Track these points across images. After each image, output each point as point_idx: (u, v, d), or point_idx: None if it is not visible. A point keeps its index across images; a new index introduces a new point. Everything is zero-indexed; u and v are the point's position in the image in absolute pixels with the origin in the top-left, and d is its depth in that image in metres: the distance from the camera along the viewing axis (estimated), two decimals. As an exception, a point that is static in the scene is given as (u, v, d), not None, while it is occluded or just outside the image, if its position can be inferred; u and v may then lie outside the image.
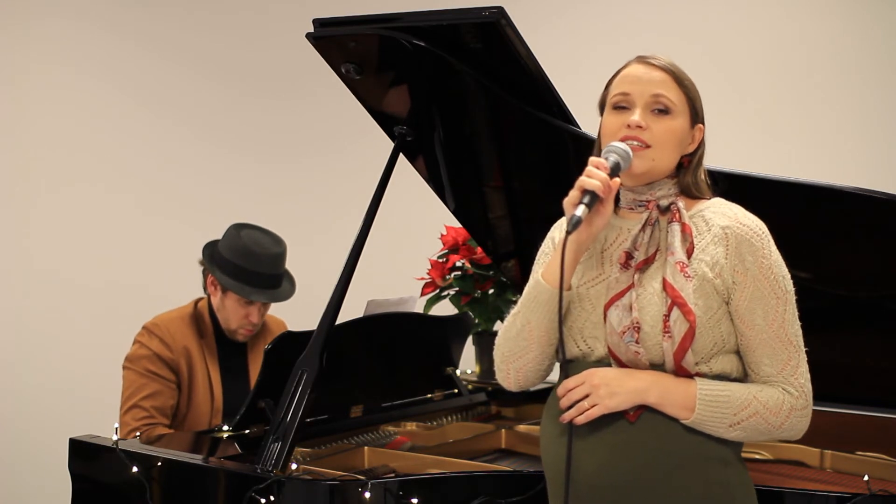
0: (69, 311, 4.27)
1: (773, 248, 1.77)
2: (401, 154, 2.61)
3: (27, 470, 4.15)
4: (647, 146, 1.76)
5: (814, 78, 4.04)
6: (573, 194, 1.71)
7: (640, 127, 1.76)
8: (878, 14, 4.00)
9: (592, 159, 1.74)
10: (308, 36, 2.47)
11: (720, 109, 4.00)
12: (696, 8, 4.16)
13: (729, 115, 4.03)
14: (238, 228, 3.08)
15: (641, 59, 1.83)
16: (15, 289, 4.25)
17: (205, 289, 3.14)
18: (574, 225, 1.68)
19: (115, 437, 2.45)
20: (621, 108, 1.80)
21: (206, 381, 3.04)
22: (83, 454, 2.53)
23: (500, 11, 2.21)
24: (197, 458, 2.41)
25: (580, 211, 1.68)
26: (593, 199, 1.70)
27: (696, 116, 1.83)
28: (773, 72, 4.07)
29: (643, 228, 1.78)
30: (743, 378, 1.78)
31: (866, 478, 2.12)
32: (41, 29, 4.33)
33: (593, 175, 1.70)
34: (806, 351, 1.78)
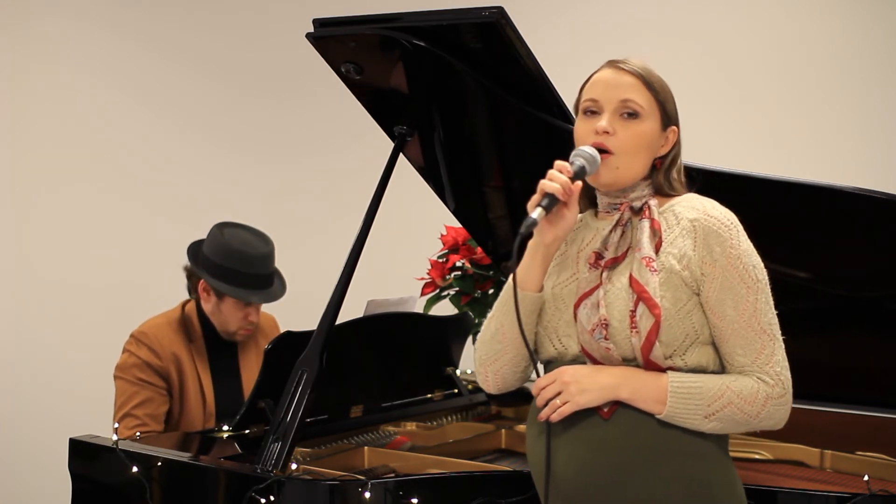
0: (69, 311, 4.27)
1: (743, 237, 1.77)
2: (401, 154, 2.61)
3: (27, 470, 4.15)
4: (611, 153, 1.77)
5: (814, 78, 4.04)
6: (534, 197, 1.73)
7: (606, 133, 1.77)
8: (878, 14, 4.00)
9: (557, 162, 1.76)
10: (308, 36, 2.47)
11: (720, 109, 4.03)
12: (696, 8, 4.16)
13: (729, 114, 4.04)
14: (221, 228, 3.04)
15: (612, 64, 1.84)
16: (15, 289, 4.25)
17: (190, 291, 3.12)
18: (528, 227, 1.69)
19: (114, 437, 2.45)
20: (591, 112, 1.81)
21: (196, 386, 3.02)
22: (83, 454, 2.53)
23: (500, 11, 2.21)
24: (197, 459, 2.41)
25: (536, 213, 1.70)
26: (552, 201, 1.71)
27: (669, 119, 1.83)
28: (773, 72, 4.07)
29: (614, 229, 1.80)
30: (720, 371, 1.78)
31: (866, 478, 2.12)
32: (41, 29, 4.33)
33: (554, 178, 1.72)
34: (796, 349, 1.77)
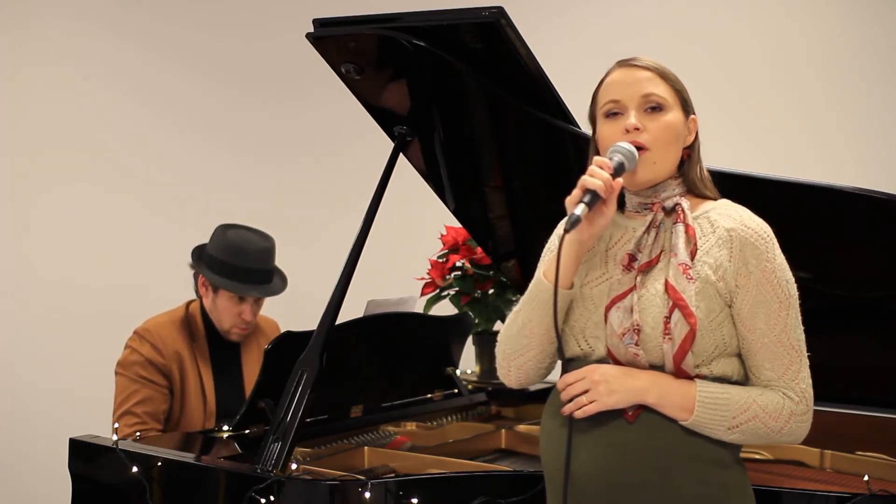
0: (69, 312, 4.27)
1: (778, 251, 1.76)
2: (401, 154, 2.61)
3: (27, 470, 4.15)
4: (646, 149, 1.76)
5: (814, 78, 4.04)
6: (575, 193, 1.71)
7: (637, 129, 1.76)
8: (878, 14, 4.00)
9: (597, 159, 1.74)
10: (308, 36, 2.47)
11: (720, 109, 4.02)
12: (696, 8, 4.16)
13: (729, 114, 4.04)
14: (225, 228, 3.07)
15: (623, 63, 1.83)
16: (14, 289, 4.25)
17: (196, 292, 3.14)
18: (572, 224, 1.68)
19: (114, 437, 2.45)
20: (614, 114, 1.80)
21: (198, 385, 3.03)
22: (83, 454, 2.53)
23: (500, 11, 2.21)
24: (197, 459, 2.41)
25: (579, 210, 1.68)
26: (594, 198, 1.70)
27: (688, 107, 1.83)
28: (773, 72, 4.07)
29: (647, 230, 1.79)
30: (744, 381, 1.77)
31: (866, 478, 2.12)
32: (41, 29, 4.32)
33: (595, 174, 1.71)
34: (808, 355, 1.78)
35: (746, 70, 4.09)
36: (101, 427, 2.67)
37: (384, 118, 2.67)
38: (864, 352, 2.55)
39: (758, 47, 4.09)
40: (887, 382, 2.55)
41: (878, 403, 2.62)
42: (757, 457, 2.56)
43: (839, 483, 2.35)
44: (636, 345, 1.71)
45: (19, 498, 4.18)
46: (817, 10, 4.08)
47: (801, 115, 4.04)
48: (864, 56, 3.99)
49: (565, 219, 1.89)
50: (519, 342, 1.84)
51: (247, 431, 2.63)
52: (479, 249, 3.39)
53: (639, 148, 1.76)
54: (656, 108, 1.78)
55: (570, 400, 1.75)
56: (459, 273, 3.48)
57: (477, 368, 3.52)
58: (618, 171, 1.73)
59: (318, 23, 2.46)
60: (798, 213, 2.31)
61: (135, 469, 2.35)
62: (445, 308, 3.47)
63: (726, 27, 4.12)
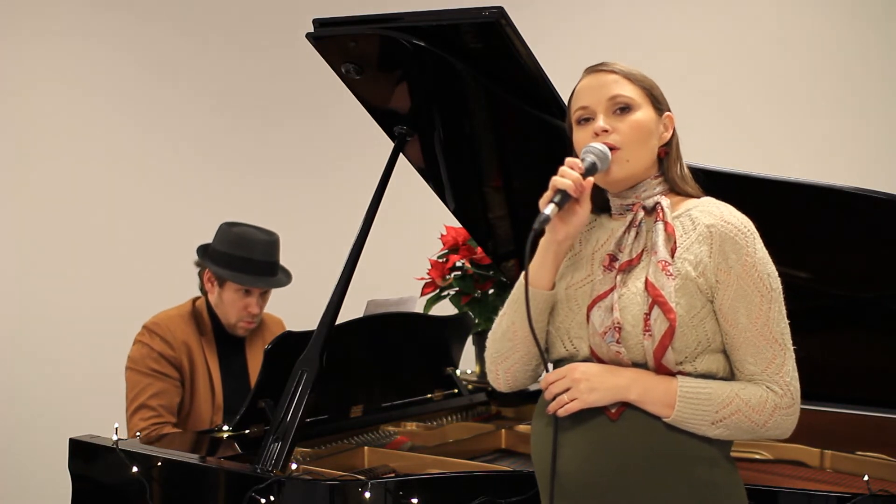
0: (69, 312, 4.27)
1: (760, 245, 1.76)
2: (401, 154, 2.62)
3: (27, 470, 4.15)
4: (617, 148, 1.77)
5: (812, 79, 4.05)
6: (546, 193, 1.74)
7: (605, 131, 1.78)
8: (878, 14, 4.00)
9: (568, 159, 1.77)
10: (308, 36, 2.47)
11: (720, 109, 4.03)
12: (698, 12, 4.17)
13: (730, 116, 4.04)
14: (229, 225, 3.11)
15: (590, 70, 1.85)
16: (15, 289, 4.25)
17: (201, 289, 3.15)
18: (541, 223, 1.70)
19: (115, 437, 2.45)
20: (585, 120, 1.82)
21: (206, 378, 3.05)
22: (83, 454, 2.53)
23: (500, 11, 2.21)
24: (197, 459, 2.42)
25: (549, 209, 1.71)
26: (564, 198, 1.72)
27: (660, 105, 1.84)
28: (773, 73, 4.07)
29: (627, 230, 1.80)
30: (730, 378, 1.77)
31: (866, 478, 2.12)
32: (41, 43, 4.35)
33: (566, 174, 1.73)
34: (795, 349, 1.77)
35: (748, 72, 4.09)
36: (102, 427, 2.67)
37: (384, 118, 2.67)
38: (863, 351, 2.55)
39: (758, 48, 4.10)
40: (887, 382, 2.55)
41: (878, 403, 2.62)
42: (757, 457, 2.56)
43: (839, 483, 2.35)
44: (617, 342, 1.72)
45: (19, 498, 4.18)
46: (818, 11, 4.08)
47: (802, 115, 4.05)
48: (863, 57, 3.99)
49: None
50: (504, 345, 1.86)
51: (247, 431, 2.63)
52: (479, 249, 3.39)
53: (612, 148, 1.77)
54: (625, 108, 1.80)
55: (554, 399, 1.76)
56: (459, 273, 3.48)
57: (477, 368, 3.52)
58: (590, 170, 1.75)
59: (317, 23, 2.46)
60: (798, 212, 2.32)
61: (135, 469, 2.35)
62: (445, 308, 3.48)
63: (729, 30, 4.13)
